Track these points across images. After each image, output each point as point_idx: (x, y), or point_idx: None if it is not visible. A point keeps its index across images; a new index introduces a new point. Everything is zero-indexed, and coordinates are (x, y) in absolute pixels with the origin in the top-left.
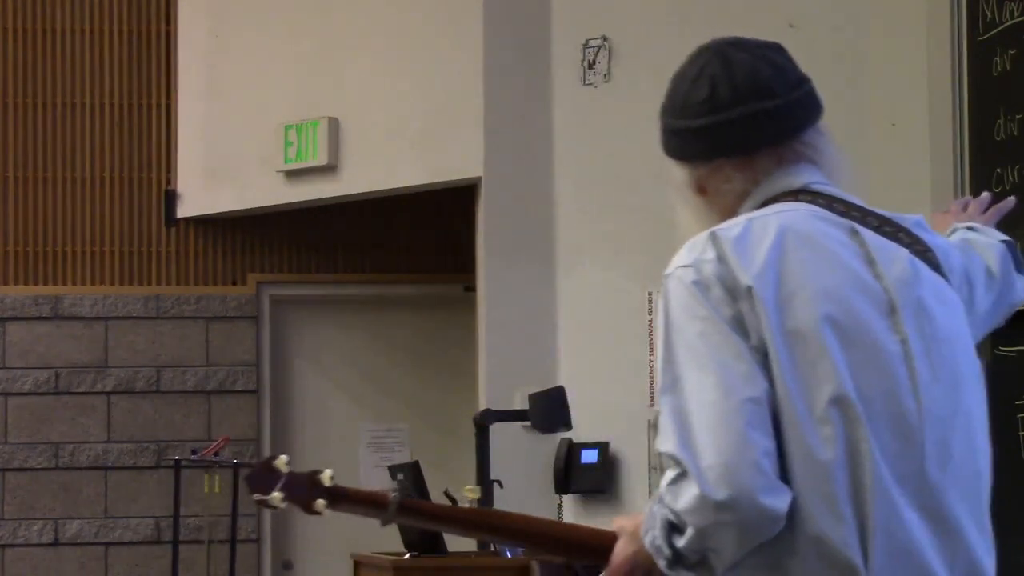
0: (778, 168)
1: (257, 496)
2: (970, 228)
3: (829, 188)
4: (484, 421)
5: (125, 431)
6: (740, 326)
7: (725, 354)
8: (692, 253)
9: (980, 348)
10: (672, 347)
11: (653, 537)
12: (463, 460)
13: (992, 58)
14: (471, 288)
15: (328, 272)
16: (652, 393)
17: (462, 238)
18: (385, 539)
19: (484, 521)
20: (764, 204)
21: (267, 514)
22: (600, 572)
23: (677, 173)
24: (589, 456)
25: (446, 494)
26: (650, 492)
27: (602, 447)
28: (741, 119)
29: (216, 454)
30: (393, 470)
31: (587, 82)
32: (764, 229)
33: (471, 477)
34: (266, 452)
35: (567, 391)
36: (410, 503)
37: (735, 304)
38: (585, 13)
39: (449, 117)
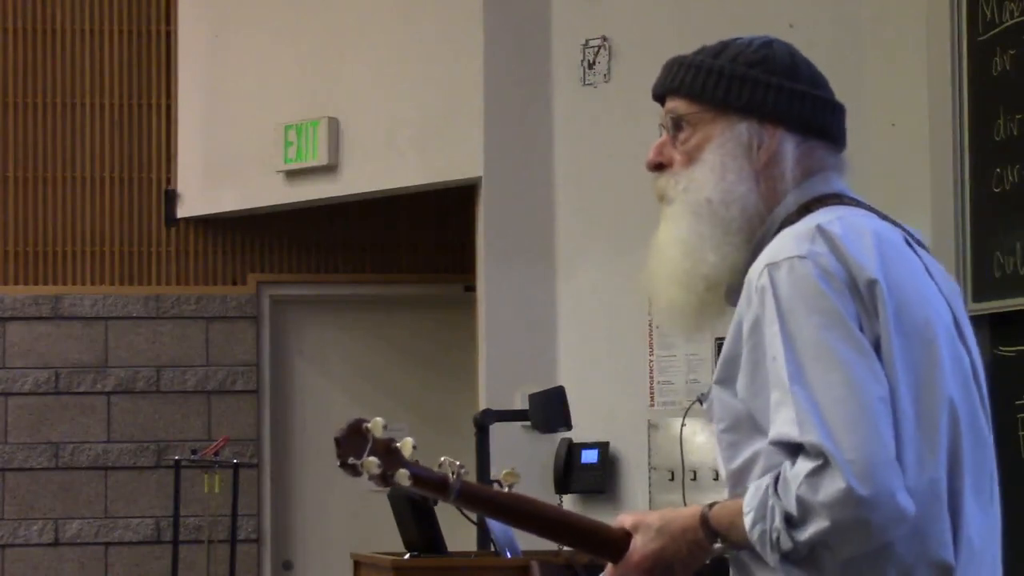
0: (823, 170)
1: (350, 460)
2: None
3: (861, 198)
4: (484, 421)
5: (125, 431)
6: (858, 323)
7: (851, 349)
8: (802, 244)
9: (980, 348)
10: (792, 338)
11: (767, 530)
12: (463, 460)
13: (992, 58)
14: (471, 288)
15: (328, 272)
16: (652, 393)
17: (462, 238)
18: (385, 539)
19: (524, 509)
20: (810, 202)
21: (267, 514)
22: (600, 570)
23: (706, 129)
24: (589, 456)
25: None
26: (650, 492)
27: (602, 447)
28: (820, 101)
29: (216, 454)
30: None
31: (587, 82)
32: (857, 229)
33: (471, 477)
34: (266, 452)
35: (567, 391)
36: (470, 489)
37: (853, 300)
38: (585, 13)
39: (449, 117)
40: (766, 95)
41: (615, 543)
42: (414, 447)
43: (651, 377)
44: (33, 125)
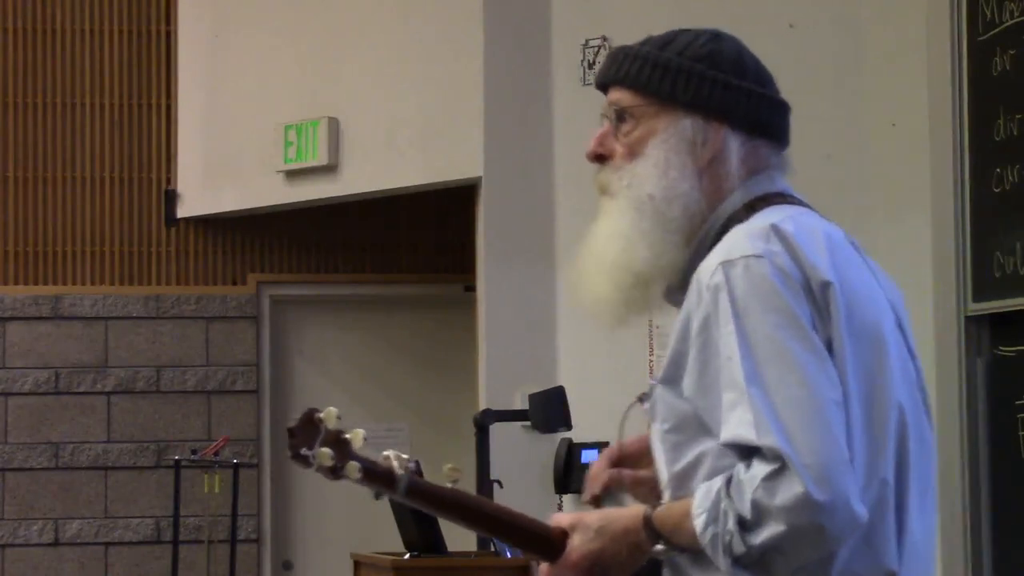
0: (767, 169)
1: (302, 451)
2: None
3: (803, 198)
4: (484, 421)
5: (125, 431)
6: (812, 323)
7: (806, 351)
8: (757, 243)
9: (980, 348)
10: (748, 338)
11: (719, 533)
12: (463, 460)
13: (992, 58)
14: (471, 288)
15: (328, 272)
16: None
17: (462, 238)
18: (385, 539)
19: (469, 505)
20: (755, 201)
21: (267, 514)
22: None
23: (650, 123)
24: (589, 456)
25: None
26: None
27: (602, 447)
28: (766, 99)
29: (216, 454)
30: None
31: (587, 82)
32: (809, 230)
33: (471, 477)
34: (266, 452)
35: (567, 391)
36: (418, 485)
37: (808, 301)
38: (585, 13)
39: (449, 117)
40: (712, 91)
41: (552, 542)
42: (365, 439)
43: (651, 377)
44: (33, 125)
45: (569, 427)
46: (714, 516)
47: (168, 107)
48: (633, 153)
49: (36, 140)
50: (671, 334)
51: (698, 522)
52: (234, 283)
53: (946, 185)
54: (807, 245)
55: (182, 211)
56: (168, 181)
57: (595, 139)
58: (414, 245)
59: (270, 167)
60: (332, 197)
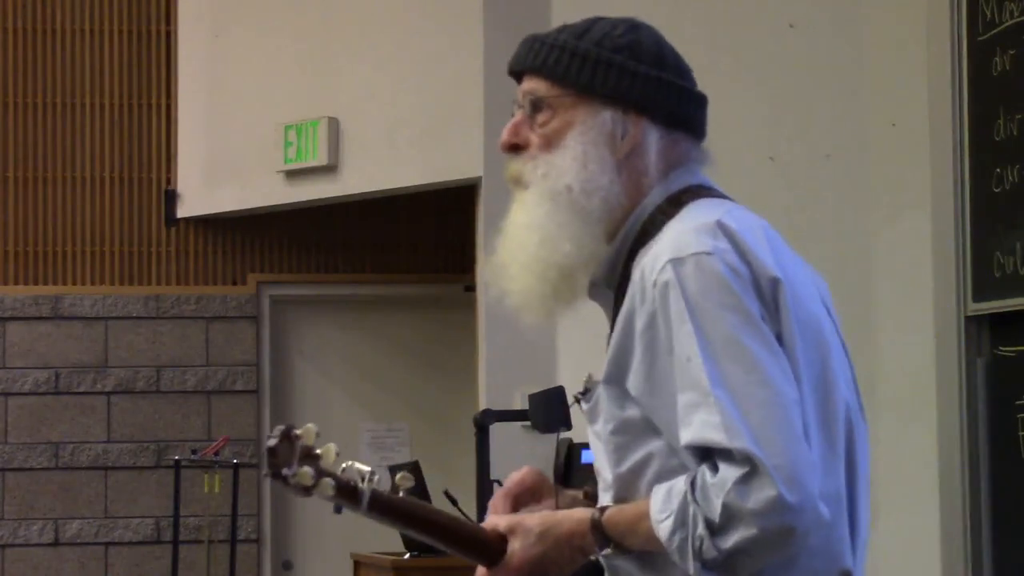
0: (687, 162)
1: (283, 471)
2: None
3: (723, 191)
4: (484, 421)
5: (125, 431)
6: (763, 321)
7: (764, 350)
8: (706, 239)
9: (980, 348)
10: (707, 337)
11: (688, 538)
12: (463, 460)
13: (992, 58)
14: (471, 288)
15: (328, 272)
16: None
17: (462, 238)
18: (385, 539)
19: (423, 516)
20: (679, 194)
21: (267, 514)
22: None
23: (567, 113)
24: (589, 456)
25: (446, 494)
26: None
27: None
28: (686, 92)
29: (216, 454)
30: (393, 470)
31: None
32: (748, 224)
33: (471, 477)
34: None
35: (567, 391)
36: (383, 500)
37: (757, 297)
38: (585, 13)
39: (449, 117)
40: (632, 83)
41: (490, 546)
42: (337, 454)
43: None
44: (33, 125)
45: (569, 427)
46: (682, 520)
47: (168, 107)
48: (550, 144)
49: (36, 140)
50: (612, 331)
51: (663, 526)
52: (234, 283)
53: (946, 185)
54: (752, 241)
55: (182, 211)
56: (168, 181)
57: (508, 128)
58: (414, 245)
59: (270, 167)
60: (332, 197)
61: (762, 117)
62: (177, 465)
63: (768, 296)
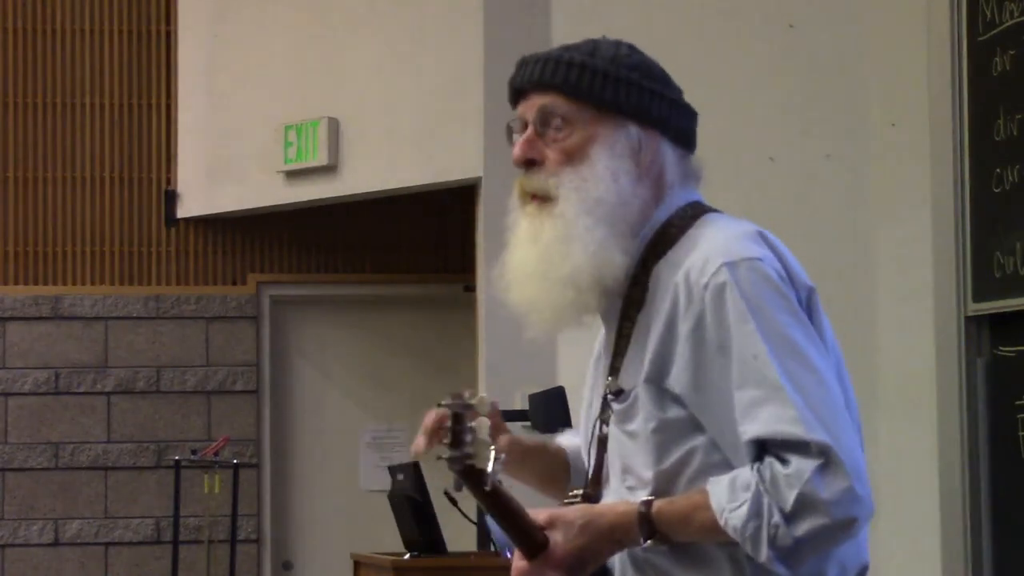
0: (689, 178)
1: (463, 432)
2: None
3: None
4: None
5: (125, 431)
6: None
7: (817, 352)
8: (753, 246)
9: (980, 348)
10: (769, 335)
11: (763, 526)
12: None
13: (992, 58)
14: (471, 288)
15: (328, 272)
16: None
17: (462, 238)
18: (385, 539)
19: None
20: (685, 208)
21: (267, 514)
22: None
23: (588, 128)
24: None
25: (446, 494)
26: None
27: None
28: (687, 110)
29: (216, 454)
30: (393, 470)
31: None
32: (775, 237)
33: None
34: (266, 452)
35: (567, 391)
36: (499, 489)
37: (800, 303)
38: (585, 13)
39: (449, 117)
40: (651, 101)
41: (533, 536)
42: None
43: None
44: (33, 125)
45: (569, 427)
46: (756, 510)
47: (168, 107)
48: (572, 158)
49: (36, 140)
50: (645, 333)
51: (735, 515)
52: (234, 283)
53: (946, 185)
54: (786, 253)
55: (182, 211)
56: (168, 181)
57: (521, 144)
58: (414, 245)
59: (270, 167)
60: (332, 197)
61: (762, 117)
62: (177, 465)
63: (805, 302)
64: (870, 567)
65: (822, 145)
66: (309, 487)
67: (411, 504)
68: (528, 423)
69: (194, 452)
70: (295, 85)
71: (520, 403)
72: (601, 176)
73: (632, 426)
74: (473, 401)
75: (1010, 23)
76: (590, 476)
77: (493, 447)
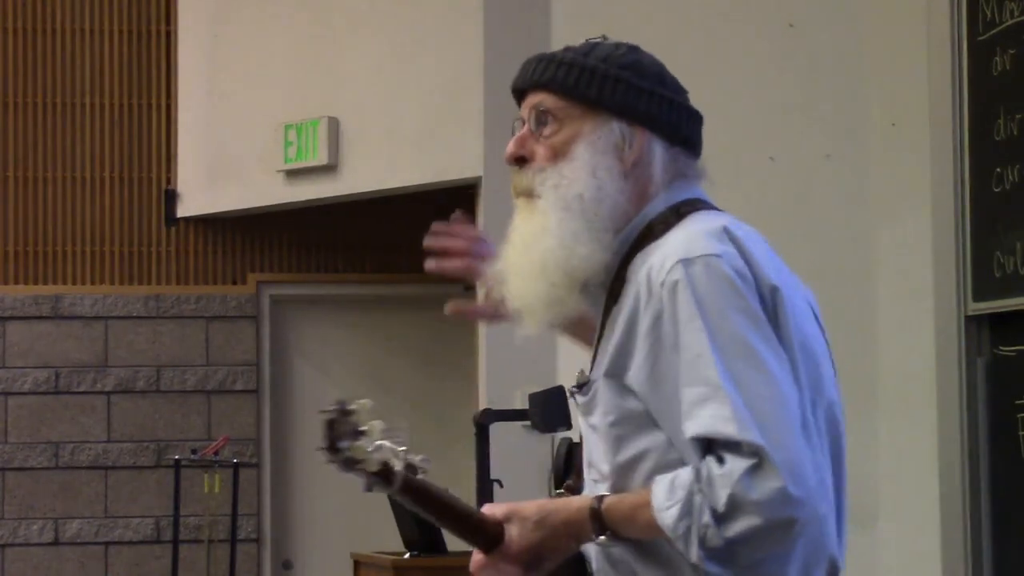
0: (686, 177)
1: (340, 443)
2: None
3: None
4: (484, 421)
5: (125, 431)
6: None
7: (770, 350)
8: (715, 243)
9: (980, 348)
10: (717, 335)
11: (694, 526)
12: (463, 460)
13: (992, 58)
14: (471, 288)
15: (328, 272)
16: None
17: None
18: (385, 539)
19: (435, 497)
20: (680, 205)
21: (267, 514)
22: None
23: (575, 125)
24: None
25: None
26: None
27: None
28: (685, 109)
29: (216, 454)
30: None
31: None
32: (750, 234)
33: (471, 477)
34: (266, 452)
35: (567, 391)
36: (413, 484)
37: (760, 301)
38: (585, 13)
39: (449, 117)
40: (639, 98)
41: (487, 532)
42: (382, 431)
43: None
44: (33, 125)
45: (569, 427)
46: (688, 509)
47: (168, 107)
48: (557, 155)
49: (36, 140)
50: (612, 328)
51: (668, 514)
52: (234, 283)
53: (946, 185)
54: (755, 249)
55: (182, 211)
56: (168, 181)
57: (514, 141)
58: (414, 245)
59: (270, 167)
60: (332, 197)
61: (762, 117)
62: (177, 465)
63: (768, 302)
64: (868, 567)
65: (822, 145)
66: (309, 487)
67: None
68: (528, 423)
69: (194, 452)
70: (295, 85)
71: (520, 403)
72: (579, 172)
73: (593, 419)
74: (352, 407)
75: (1010, 23)
76: (575, 468)
77: (403, 448)
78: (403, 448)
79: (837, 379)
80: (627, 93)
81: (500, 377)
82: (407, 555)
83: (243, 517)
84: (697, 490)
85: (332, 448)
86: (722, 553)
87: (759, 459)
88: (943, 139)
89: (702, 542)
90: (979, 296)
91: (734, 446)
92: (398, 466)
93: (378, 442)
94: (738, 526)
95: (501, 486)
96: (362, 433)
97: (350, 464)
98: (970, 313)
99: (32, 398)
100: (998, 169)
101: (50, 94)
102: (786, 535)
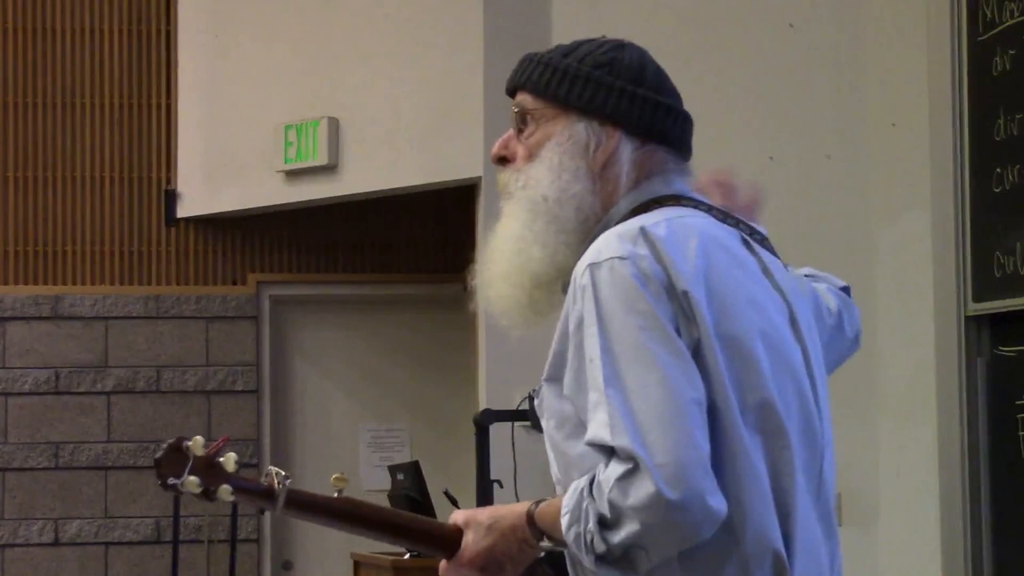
0: (663, 173)
1: (170, 480)
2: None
3: (702, 198)
4: (484, 421)
5: (125, 431)
6: (675, 326)
7: (667, 352)
8: (624, 245)
9: (980, 348)
10: (610, 339)
11: (582, 533)
12: (463, 460)
13: (992, 58)
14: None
15: (328, 272)
16: None
17: (462, 238)
18: None
19: (357, 513)
20: (648, 203)
21: (267, 514)
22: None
23: (548, 126)
24: None
25: (446, 494)
26: None
27: None
28: (663, 106)
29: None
30: (393, 470)
31: None
32: (685, 231)
33: (471, 477)
34: (266, 452)
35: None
36: (298, 497)
37: (671, 303)
38: (585, 13)
39: (449, 117)
40: (607, 97)
41: (448, 540)
42: (236, 463)
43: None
44: (33, 125)
45: None
46: (577, 516)
47: (168, 107)
48: (531, 156)
49: (36, 140)
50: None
51: (563, 520)
52: (234, 283)
53: (946, 185)
54: (674, 249)
55: (182, 211)
56: (168, 181)
57: (499, 142)
58: (414, 245)
59: (270, 167)
60: (332, 197)
61: (762, 117)
62: None
63: (683, 302)
64: (869, 567)
65: (822, 145)
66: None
67: (411, 504)
68: (528, 423)
69: None
70: (295, 85)
71: (520, 403)
72: (545, 174)
73: (542, 423)
74: (188, 443)
75: (1010, 23)
76: None
77: (276, 471)
78: (284, 473)
79: (816, 382)
80: (596, 92)
81: (500, 377)
82: (407, 555)
83: (243, 517)
84: (587, 495)
85: (164, 485)
86: (617, 558)
87: (633, 464)
88: (943, 139)
89: (589, 548)
90: (979, 296)
91: (613, 452)
92: (278, 486)
93: (267, 470)
94: (622, 532)
95: (501, 486)
96: (216, 466)
97: (202, 495)
98: (970, 313)
99: (32, 398)
100: (998, 169)
101: (50, 94)
102: (675, 538)
